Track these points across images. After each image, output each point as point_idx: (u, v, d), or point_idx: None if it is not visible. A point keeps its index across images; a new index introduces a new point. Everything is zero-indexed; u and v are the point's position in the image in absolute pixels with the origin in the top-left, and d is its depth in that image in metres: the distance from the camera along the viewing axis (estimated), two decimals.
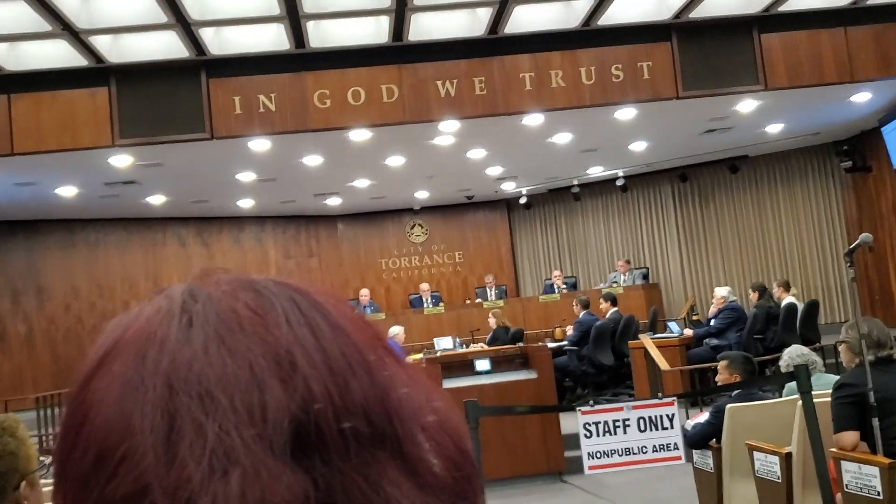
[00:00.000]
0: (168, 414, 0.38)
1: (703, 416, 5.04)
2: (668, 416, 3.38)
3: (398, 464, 0.39)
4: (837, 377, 5.60)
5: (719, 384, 4.92)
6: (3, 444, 1.86)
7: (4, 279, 12.05)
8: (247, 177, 10.63)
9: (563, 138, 10.22)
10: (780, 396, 5.17)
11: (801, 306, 9.61)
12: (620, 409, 3.32)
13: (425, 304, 13.33)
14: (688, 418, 5.22)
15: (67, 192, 10.30)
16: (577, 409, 3.33)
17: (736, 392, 4.94)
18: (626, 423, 3.32)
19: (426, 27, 8.08)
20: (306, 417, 0.38)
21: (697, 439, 4.69)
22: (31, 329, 12.11)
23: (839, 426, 3.47)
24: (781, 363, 5.05)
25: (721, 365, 5.00)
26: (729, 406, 4.65)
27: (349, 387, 0.39)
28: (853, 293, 3.48)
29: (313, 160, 10.04)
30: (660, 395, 3.69)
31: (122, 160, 8.88)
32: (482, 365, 7.81)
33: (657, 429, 3.37)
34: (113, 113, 8.15)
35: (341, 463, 0.38)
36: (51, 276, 12.35)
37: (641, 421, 3.35)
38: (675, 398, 3.50)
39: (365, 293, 13.48)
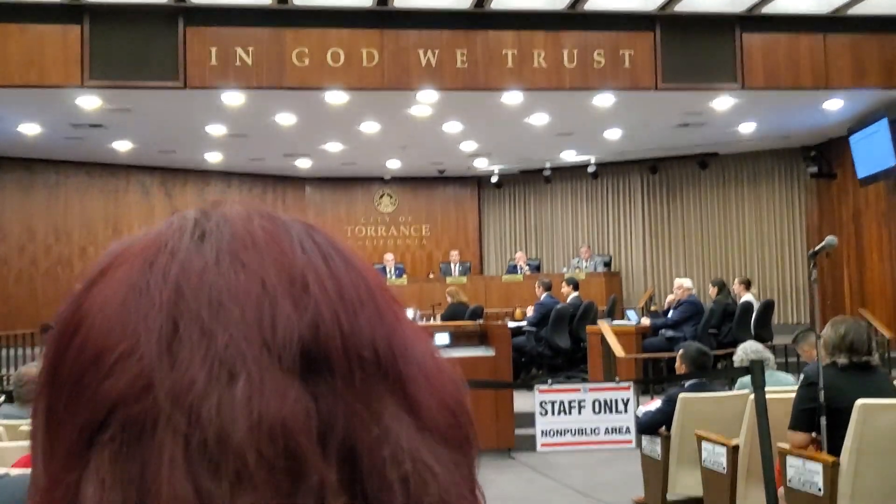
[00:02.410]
0: (174, 318, 0.37)
1: (654, 404, 5.11)
2: (623, 400, 3.42)
3: (399, 400, 0.39)
4: (789, 375, 5.74)
5: (677, 373, 4.99)
6: None
7: None
8: (217, 130, 10.46)
9: (539, 119, 10.22)
10: (732, 389, 5.27)
11: (756, 305, 9.80)
12: (577, 389, 3.35)
13: (388, 275, 13.30)
14: (639, 405, 5.30)
15: (30, 129, 10.03)
16: (536, 386, 3.35)
17: (689, 382, 5.03)
18: (582, 404, 3.35)
19: None
20: (314, 339, 0.38)
21: (648, 426, 4.76)
22: None
23: (795, 424, 3.54)
24: (736, 357, 5.14)
25: (679, 355, 5.07)
26: (681, 396, 4.72)
27: (358, 317, 0.39)
28: (813, 293, 3.53)
29: (286, 119, 9.90)
30: (616, 379, 3.73)
31: (90, 102, 8.66)
32: (441, 339, 7.83)
33: (611, 412, 3.41)
34: (84, 52, 7.93)
35: (344, 389, 0.37)
36: (6, 216, 12.04)
37: (597, 403, 3.39)
38: (631, 383, 3.54)
39: None
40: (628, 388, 3.45)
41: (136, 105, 8.90)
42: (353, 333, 0.38)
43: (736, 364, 5.17)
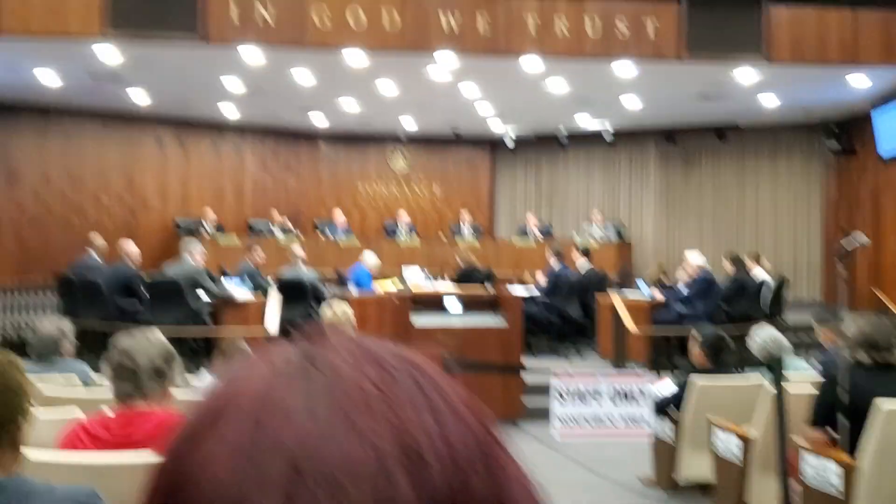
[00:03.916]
0: (289, 495, 0.36)
1: (665, 384, 5.08)
2: (640, 390, 3.38)
3: None
4: (803, 361, 5.69)
5: (692, 360, 4.94)
6: (16, 379, 1.81)
7: None
8: (234, 85, 10.32)
9: (558, 85, 10.05)
10: (744, 371, 5.23)
11: (770, 282, 9.73)
12: (594, 377, 3.31)
13: (400, 234, 13.26)
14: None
15: (48, 78, 9.92)
16: (553, 372, 3.31)
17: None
18: (599, 392, 3.32)
19: None
20: None
21: (661, 407, 4.74)
22: None
23: (815, 420, 3.49)
24: (753, 344, 5.09)
25: (698, 343, 5.01)
26: (695, 381, 4.69)
27: (470, 483, 0.40)
28: (842, 290, 3.45)
29: (304, 76, 9.77)
30: (633, 366, 3.69)
31: (108, 52, 8.54)
32: (453, 306, 7.80)
33: (629, 401, 3.37)
34: (104, 1, 7.80)
35: None
36: (22, 162, 11.97)
37: (614, 391, 3.35)
38: (649, 373, 3.50)
39: (340, 216, 13.36)
40: (643, 376, 3.41)
41: (154, 55, 8.77)
42: (465, 502, 0.39)
43: (753, 351, 5.11)
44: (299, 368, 0.42)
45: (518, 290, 9.94)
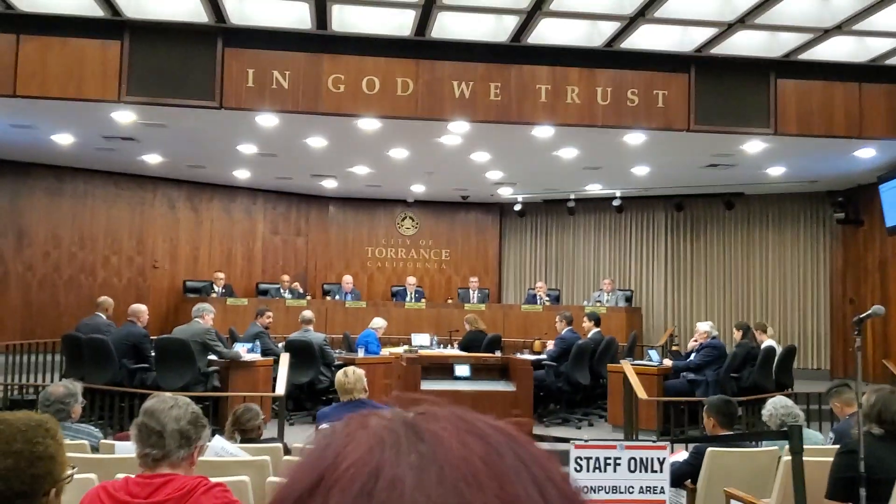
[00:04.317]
0: None
1: (680, 454, 5.08)
2: (658, 459, 3.40)
3: None
4: (818, 433, 5.68)
5: (706, 429, 4.95)
6: (44, 445, 1.78)
7: None
8: (248, 149, 10.55)
9: (568, 153, 10.24)
10: (759, 443, 5.22)
11: (779, 350, 9.73)
12: (614, 447, 3.33)
13: (408, 298, 13.32)
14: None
15: (63, 139, 10.15)
16: (572, 442, 3.34)
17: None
18: (618, 461, 3.33)
19: (450, 26, 8.04)
20: None
21: (675, 478, 4.72)
22: (7, 272, 11.91)
23: (833, 493, 3.50)
24: (765, 412, 5.10)
25: (704, 410, 5.03)
26: (709, 449, 4.68)
27: None
28: (857, 359, 3.50)
29: (317, 142, 9.98)
30: (644, 435, 3.70)
31: (125, 116, 8.77)
32: (462, 371, 7.82)
33: (646, 470, 3.39)
34: (123, 68, 8.02)
35: None
36: (33, 221, 12.15)
37: (632, 461, 3.37)
38: (668, 443, 3.52)
39: (348, 279, 13.45)
40: (665, 447, 3.43)
41: (171, 121, 8.99)
42: None
43: (764, 418, 5.12)
44: (403, 438, 0.42)
45: (527, 356, 9.97)
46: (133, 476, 2.73)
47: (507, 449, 0.44)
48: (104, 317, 9.31)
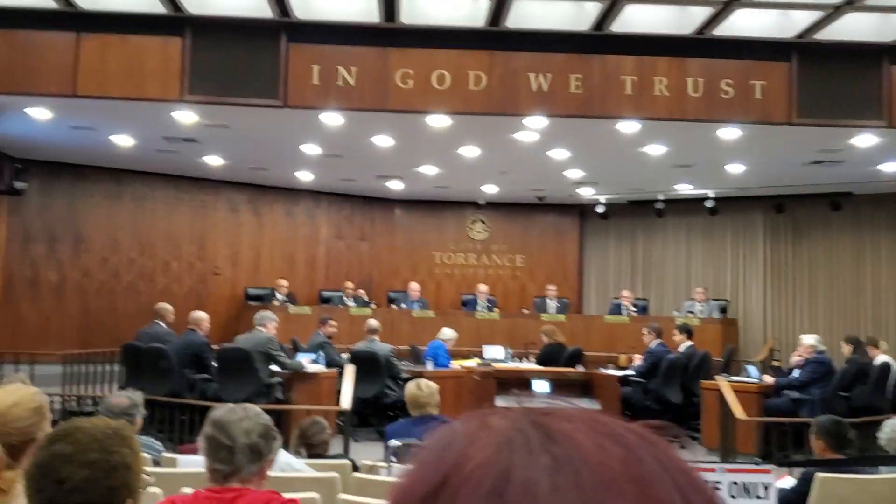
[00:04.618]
0: None
1: (784, 480, 4.96)
2: (763, 484, 3.33)
3: None
4: None
5: (813, 451, 4.83)
6: (120, 455, 1.82)
7: (42, 223, 12.32)
8: (311, 150, 10.77)
9: (656, 149, 10.12)
10: (876, 469, 5.06)
11: (894, 366, 9.39)
12: (713, 469, 3.29)
13: (479, 308, 13.35)
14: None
15: (123, 141, 10.54)
16: None
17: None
18: (717, 485, 3.28)
19: (527, 15, 8.05)
20: None
21: None
22: (64, 279, 12.39)
23: None
24: (882, 435, 4.94)
25: (812, 433, 4.91)
26: (819, 475, 4.56)
27: None
28: None
29: (384, 141, 10.11)
30: (742, 458, 3.63)
31: (186, 117, 9.05)
32: (541, 387, 7.80)
33: (749, 496, 3.33)
34: (185, 66, 8.28)
35: None
36: (91, 226, 12.62)
37: (734, 486, 3.31)
38: (772, 467, 3.45)
39: (415, 287, 13.55)
40: (769, 471, 3.37)
41: (233, 121, 9.25)
42: None
43: (882, 442, 4.97)
44: (534, 438, 0.42)
45: (612, 372, 9.87)
46: (202, 490, 2.82)
47: (647, 453, 0.44)
48: (164, 325, 9.60)
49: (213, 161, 11.82)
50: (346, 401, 7.94)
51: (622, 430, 0.46)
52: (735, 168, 11.17)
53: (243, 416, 2.74)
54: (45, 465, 1.80)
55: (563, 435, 0.44)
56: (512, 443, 0.43)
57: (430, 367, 9.80)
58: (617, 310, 12.95)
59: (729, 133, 9.08)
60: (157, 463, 4.85)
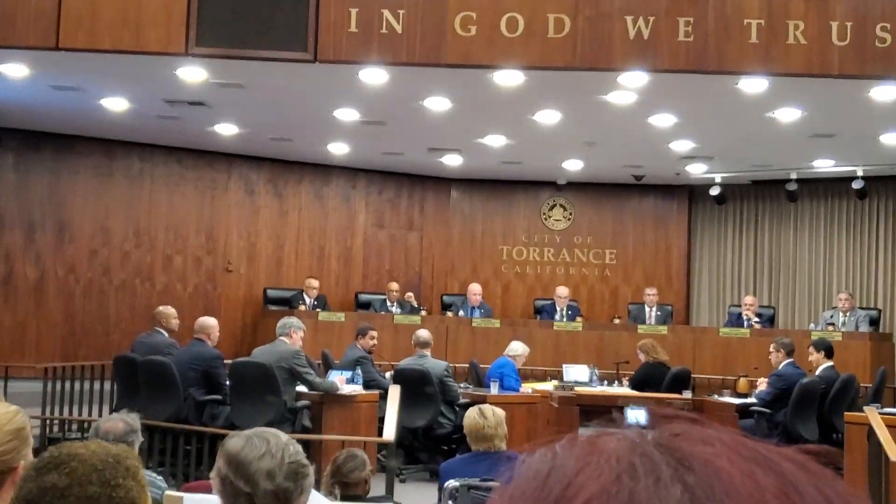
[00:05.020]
0: None
1: None
2: None
3: None
4: None
5: None
6: (125, 489, 1.86)
7: (19, 206, 12.60)
8: (347, 115, 10.86)
9: (788, 114, 10.05)
10: None
11: None
12: None
13: (558, 316, 13.33)
14: None
15: (116, 105, 10.76)
16: None
17: None
18: None
19: None
20: None
21: None
22: (44, 275, 12.65)
23: None
24: None
25: None
26: None
27: None
28: None
29: (438, 104, 10.16)
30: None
31: (194, 74, 9.22)
32: (637, 417, 7.77)
33: None
34: (191, 12, 8.41)
35: None
36: (77, 211, 12.87)
37: None
38: None
39: (476, 290, 13.58)
40: None
41: (250, 80, 9.40)
42: None
43: None
44: (662, 465, 0.43)
45: (728, 399, 9.77)
46: None
47: (807, 484, 0.45)
48: (165, 333, 9.79)
49: (226, 130, 12.00)
50: (389, 431, 8.01)
51: (774, 455, 0.47)
52: (892, 139, 10.99)
53: (265, 451, 2.68)
54: (35, 500, 1.83)
55: (699, 461, 0.45)
56: (634, 470, 0.44)
57: (495, 390, 9.83)
58: (736, 320, 12.82)
59: (885, 93, 8.96)
60: (158, 503, 4.96)
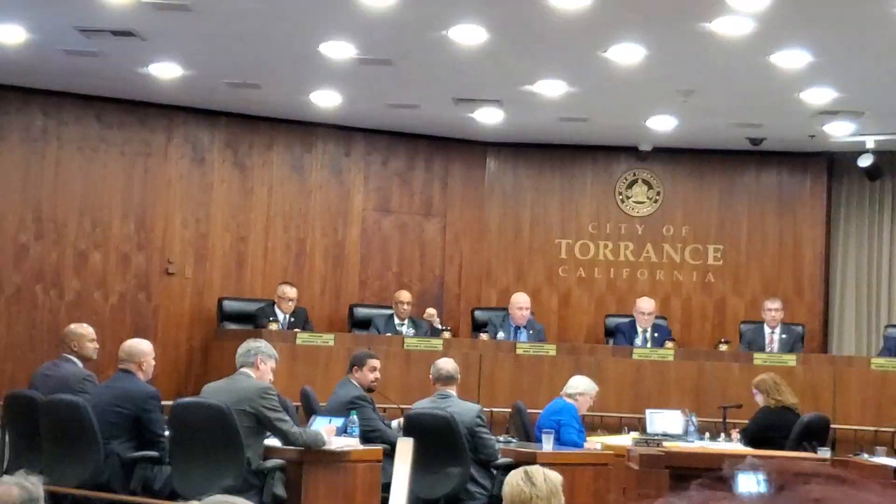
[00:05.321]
0: None
1: None
2: None
3: None
4: None
5: None
6: None
7: None
8: (339, 50, 10.89)
9: None
10: None
11: None
12: None
13: (640, 340, 13.31)
14: None
15: (9, 35, 10.79)
16: None
17: None
18: None
19: None
20: None
21: None
22: None
23: None
24: None
25: None
26: None
27: None
28: None
29: (468, 34, 10.16)
30: None
31: None
32: (750, 485, 7.74)
33: None
34: None
35: None
36: None
37: None
38: None
39: (523, 303, 13.53)
40: None
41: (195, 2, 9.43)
42: None
43: None
44: None
45: (884, 460, 9.72)
46: None
47: None
48: (78, 362, 9.80)
49: (165, 72, 12.02)
50: (397, 499, 8.02)
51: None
52: None
53: None
54: None
55: None
56: None
57: (548, 445, 9.82)
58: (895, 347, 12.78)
59: None
60: None
